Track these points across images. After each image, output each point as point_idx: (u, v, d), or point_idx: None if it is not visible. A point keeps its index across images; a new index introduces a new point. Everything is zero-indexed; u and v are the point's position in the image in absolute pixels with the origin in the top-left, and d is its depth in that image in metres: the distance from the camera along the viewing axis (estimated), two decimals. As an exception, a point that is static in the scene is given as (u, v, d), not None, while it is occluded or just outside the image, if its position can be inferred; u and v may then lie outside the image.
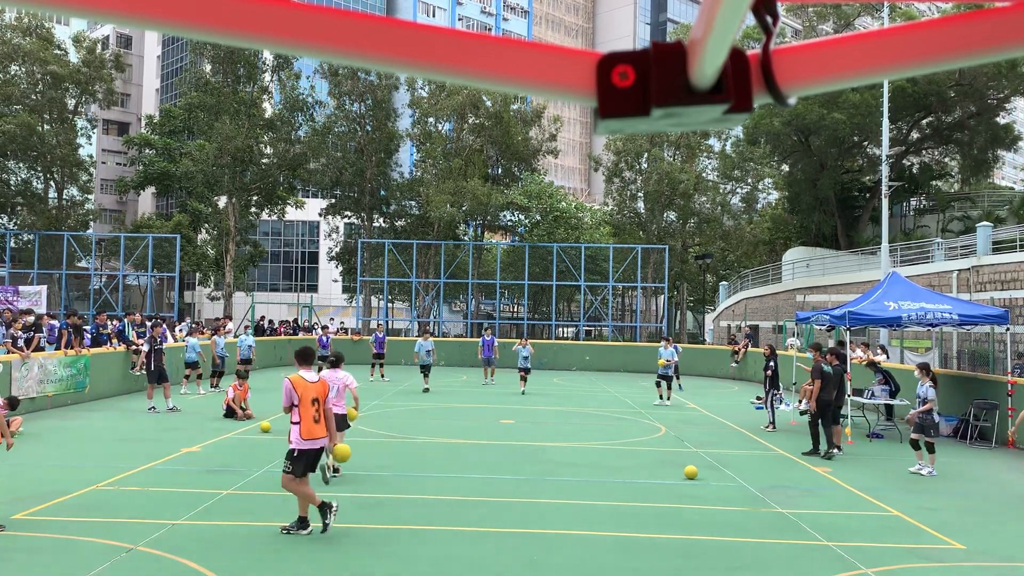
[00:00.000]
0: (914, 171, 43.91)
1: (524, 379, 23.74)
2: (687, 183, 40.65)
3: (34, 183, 42.99)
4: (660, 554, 7.86)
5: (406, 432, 15.20)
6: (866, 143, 42.33)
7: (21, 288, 30.92)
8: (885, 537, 8.71)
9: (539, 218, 46.41)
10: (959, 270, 26.83)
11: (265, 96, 43.02)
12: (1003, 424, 15.56)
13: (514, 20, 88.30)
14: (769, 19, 0.84)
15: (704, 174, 44.55)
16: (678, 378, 24.79)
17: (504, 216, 46.52)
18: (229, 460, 11.90)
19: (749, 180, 43.35)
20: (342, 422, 10.78)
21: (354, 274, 43.52)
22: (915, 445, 12.69)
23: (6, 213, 42.90)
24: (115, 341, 20.67)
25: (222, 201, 45.51)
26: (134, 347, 20.48)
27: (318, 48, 0.83)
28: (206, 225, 53.18)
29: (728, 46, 0.81)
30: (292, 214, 52.38)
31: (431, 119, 43.40)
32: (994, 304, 22.30)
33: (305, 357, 8.53)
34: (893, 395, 17.08)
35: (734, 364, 30.37)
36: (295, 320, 38.44)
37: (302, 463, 8.03)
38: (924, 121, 41.78)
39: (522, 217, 47.47)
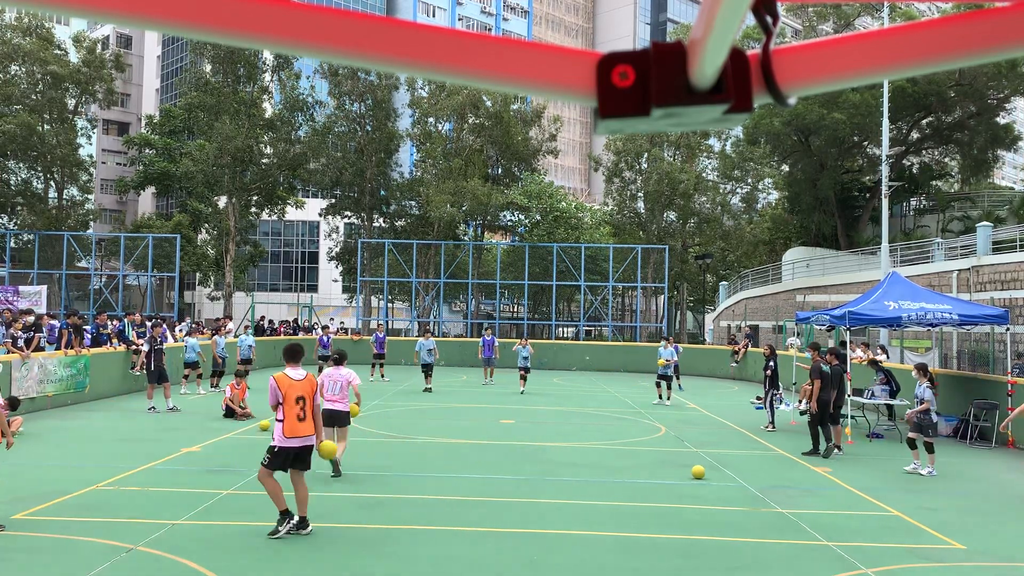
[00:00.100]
0: (914, 171, 43.91)
1: (524, 379, 23.76)
2: (687, 183, 40.65)
3: (34, 183, 43.00)
4: (660, 554, 7.85)
5: (406, 432, 15.20)
6: (866, 143, 42.33)
7: (21, 288, 30.93)
8: (885, 537, 8.71)
9: (539, 218, 46.42)
10: (959, 270, 26.84)
11: (265, 96, 43.02)
12: (1007, 427, 15.54)
13: (514, 20, 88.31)
14: (769, 19, 0.84)
15: (704, 174, 44.56)
16: (678, 378, 24.80)
17: (504, 216, 46.53)
18: (229, 460, 11.90)
19: (749, 180, 43.34)
20: (345, 418, 10.81)
21: (354, 274, 43.52)
22: (912, 444, 12.70)
23: (6, 213, 42.91)
24: (115, 341, 20.67)
25: (222, 201, 45.52)
26: (134, 347, 20.48)
27: (318, 48, 0.83)
28: (206, 225, 53.19)
29: (728, 46, 0.81)
30: (292, 214, 52.40)
31: (431, 119, 43.40)
32: (994, 304, 22.30)
33: (292, 355, 8.51)
34: (894, 395, 17.08)
35: (734, 364, 30.38)
36: (295, 320, 38.44)
37: (280, 459, 8.05)
38: (924, 121, 41.79)
39: (522, 217, 47.47)
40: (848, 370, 15.41)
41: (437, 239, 40.79)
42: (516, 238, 49.66)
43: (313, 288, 62.56)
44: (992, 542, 8.71)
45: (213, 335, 23.35)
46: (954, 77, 37.10)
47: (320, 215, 46.91)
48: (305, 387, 8.23)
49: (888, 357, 21.55)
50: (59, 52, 41.30)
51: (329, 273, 60.44)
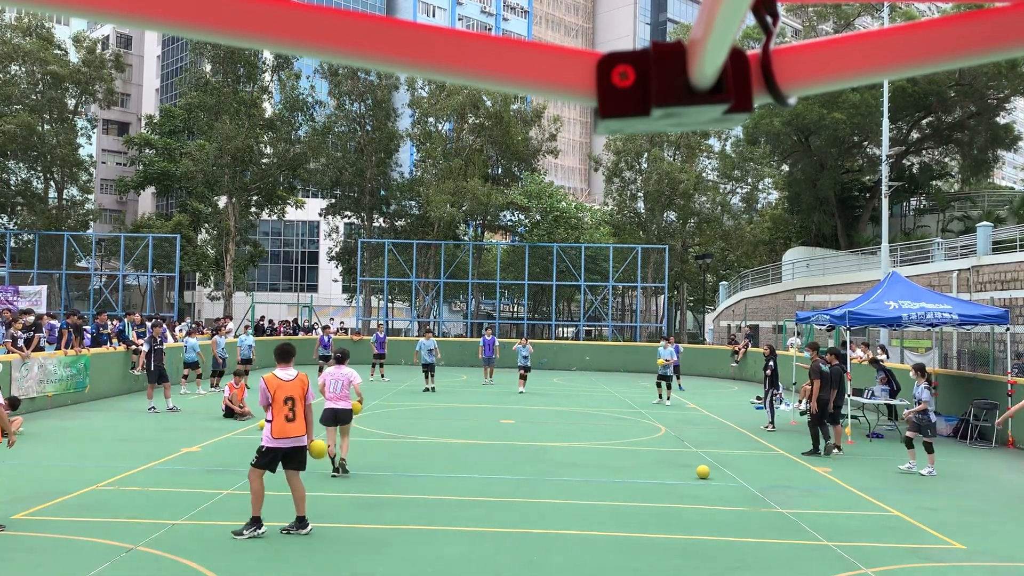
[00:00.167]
0: (914, 171, 43.90)
1: (524, 378, 23.76)
2: (687, 183, 40.65)
3: (34, 183, 43.00)
4: (660, 554, 7.86)
5: (406, 432, 15.20)
6: (866, 143, 42.33)
7: (21, 288, 30.93)
8: (885, 537, 8.71)
9: (539, 218, 46.40)
10: (959, 270, 26.84)
11: (265, 96, 43.03)
12: (1003, 424, 15.56)
13: (514, 20, 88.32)
14: (769, 19, 0.84)
15: (704, 174, 44.56)
16: (678, 378, 24.80)
17: (504, 216, 46.53)
18: (229, 460, 11.90)
19: (749, 180, 43.34)
20: (347, 416, 10.81)
21: (354, 274, 43.52)
22: (908, 444, 12.70)
23: (6, 213, 42.90)
24: (115, 341, 20.67)
25: (222, 201, 45.52)
26: (134, 347, 20.48)
27: (318, 48, 0.83)
28: (206, 225, 53.19)
29: (728, 46, 0.81)
30: (292, 214, 52.40)
31: (431, 119, 43.40)
32: (994, 304, 22.29)
33: (283, 355, 8.50)
34: (894, 395, 17.08)
35: (734, 364, 30.38)
36: (295, 320, 38.43)
37: (267, 459, 8.09)
38: (924, 121, 41.79)
39: (522, 217, 47.46)
40: (848, 370, 15.41)
41: (437, 239, 40.79)
42: (516, 238, 49.65)
43: (313, 288, 62.57)
44: (992, 542, 8.71)
45: (213, 335, 23.35)
46: (954, 77, 37.09)
47: (320, 215, 46.92)
48: (295, 387, 8.20)
49: (888, 357, 21.55)
50: (59, 52, 41.31)
51: (329, 273, 60.45)
